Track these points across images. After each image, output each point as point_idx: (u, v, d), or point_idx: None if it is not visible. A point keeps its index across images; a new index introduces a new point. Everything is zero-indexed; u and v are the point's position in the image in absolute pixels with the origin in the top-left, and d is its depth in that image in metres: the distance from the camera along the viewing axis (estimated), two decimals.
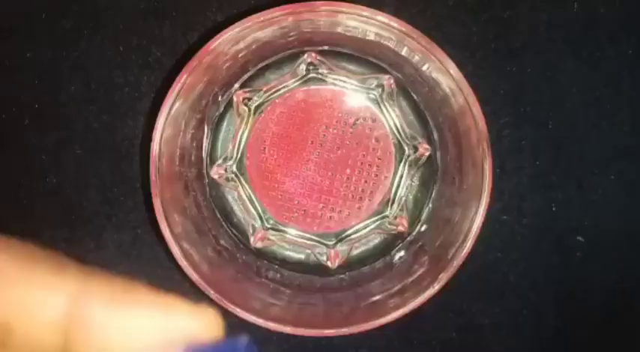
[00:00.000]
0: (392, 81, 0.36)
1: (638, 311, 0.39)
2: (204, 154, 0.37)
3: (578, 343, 0.39)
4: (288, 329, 0.32)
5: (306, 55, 0.36)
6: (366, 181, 0.37)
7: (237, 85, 0.37)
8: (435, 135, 0.37)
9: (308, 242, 0.37)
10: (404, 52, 0.33)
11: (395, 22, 0.32)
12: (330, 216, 0.37)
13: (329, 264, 0.37)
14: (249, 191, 0.37)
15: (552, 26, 0.39)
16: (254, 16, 0.32)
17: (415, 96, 0.37)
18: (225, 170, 0.37)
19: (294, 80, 0.37)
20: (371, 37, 0.34)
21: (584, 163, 0.39)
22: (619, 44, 0.39)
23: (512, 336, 0.39)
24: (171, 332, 0.17)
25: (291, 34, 0.34)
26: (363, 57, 0.36)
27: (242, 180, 0.37)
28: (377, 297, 0.35)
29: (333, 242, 0.37)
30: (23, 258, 0.17)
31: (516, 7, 0.39)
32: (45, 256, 0.17)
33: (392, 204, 0.37)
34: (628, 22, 0.39)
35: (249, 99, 0.37)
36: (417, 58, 0.33)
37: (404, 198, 0.37)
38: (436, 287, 0.33)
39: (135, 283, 0.18)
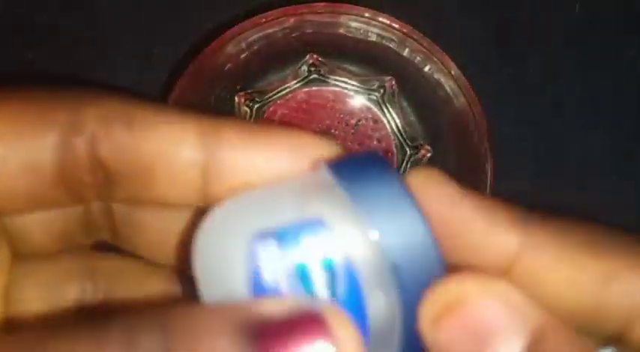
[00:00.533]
0: (393, 82, 0.36)
1: None
2: None
3: None
4: None
5: (307, 56, 0.36)
6: None
7: (238, 86, 0.37)
8: (437, 137, 0.37)
9: None
10: (405, 53, 0.33)
11: (396, 24, 0.32)
12: None
13: None
14: None
15: (554, 27, 0.39)
16: (256, 17, 0.32)
17: (417, 98, 0.37)
18: None
19: (295, 81, 0.37)
20: (372, 38, 0.34)
21: (585, 164, 0.39)
22: (621, 45, 0.39)
23: None
24: (299, 161, 0.18)
25: (293, 35, 0.34)
26: (365, 58, 0.37)
27: None
28: None
29: None
30: (162, 110, 0.18)
31: (518, 8, 0.39)
32: (178, 110, 0.19)
33: None
34: (629, 23, 0.39)
35: (251, 100, 0.37)
36: (418, 59, 0.33)
37: None
38: None
39: (263, 126, 0.19)
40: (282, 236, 0.17)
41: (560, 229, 0.18)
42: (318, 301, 0.16)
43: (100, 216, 0.20)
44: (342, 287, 0.17)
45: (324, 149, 0.18)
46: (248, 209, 0.18)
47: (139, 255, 0.21)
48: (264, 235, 0.17)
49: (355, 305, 0.17)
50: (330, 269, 0.17)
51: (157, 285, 0.21)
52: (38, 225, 0.20)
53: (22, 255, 0.20)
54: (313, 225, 0.17)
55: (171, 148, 0.18)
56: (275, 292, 0.16)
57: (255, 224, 0.17)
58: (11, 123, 0.18)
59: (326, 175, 0.17)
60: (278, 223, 0.17)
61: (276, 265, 0.17)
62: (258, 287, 0.17)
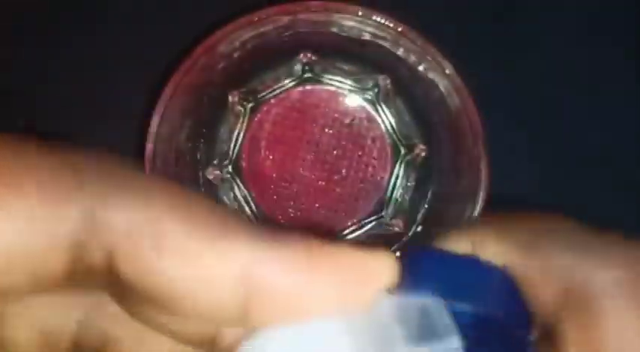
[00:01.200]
0: (388, 81, 0.36)
1: None
2: (199, 155, 0.37)
3: None
4: None
5: (301, 55, 0.36)
6: (361, 182, 0.37)
7: (232, 86, 0.36)
8: (431, 136, 0.37)
9: None
10: (400, 52, 0.33)
11: (390, 22, 0.32)
12: (326, 217, 0.37)
13: None
14: (245, 191, 0.37)
15: (550, 26, 0.39)
16: (249, 16, 0.32)
17: (411, 97, 0.37)
18: (221, 171, 0.37)
19: (289, 80, 0.37)
20: (366, 37, 0.34)
21: (582, 163, 0.39)
22: (618, 44, 0.39)
23: None
24: (354, 288, 0.15)
25: (287, 33, 0.34)
26: (359, 57, 0.36)
27: (237, 180, 0.37)
28: None
29: None
30: (196, 224, 0.15)
31: (514, 7, 0.39)
32: (214, 221, 0.15)
33: (388, 205, 0.37)
34: (628, 21, 0.39)
35: (245, 99, 0.37)
36: (412, 58, 0.33)
37: (400, 199, 0.37)
38: None
39: (311, 245, 0.16)
40: None
41: None
42: None
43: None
44: None
45: (379, 271, 0.15)
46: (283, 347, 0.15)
47: None
48: None
49: None
50: None
51: None
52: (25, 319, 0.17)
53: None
54: None
55: (206, 286, 0.15)
56: None
57: None
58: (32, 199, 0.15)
59: (388, 317, 0.15)
60: None
61: None
62: None
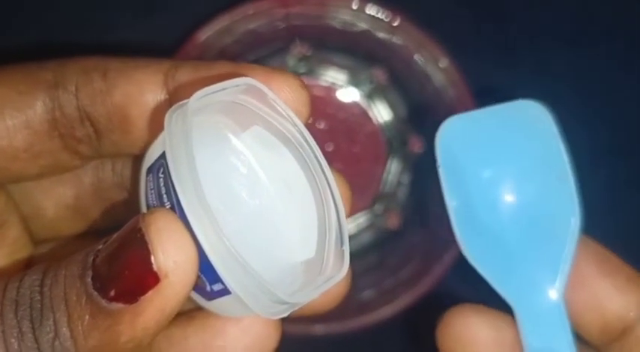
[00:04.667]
0: (383, 75, 0.36)
1: None
2: None
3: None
4: None
5: (296, 49, 0.36)
6: (356, 177, 0.37)
7: None
8: (427, 130, 0.36)
9: None
10: (395, 45, 0.33)
11: (386, 15, 0.31)
12: None
13: None
14: None
15: (546, 22, 0.39)
16: (243, 8, 0.32)
17: (406, 91, 0.36)
18: None
19: None
20: (361, 29, 0.33)
21: (576, 160, 0.39)
22: (613, 41, 0.39)
23: None
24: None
25: (281, 26, 0.34)
26: (354, 50, 0.36)
27: None
28: (368, 294, 0.34)
29: None
30: (130, 59, 0.20)
31: (510, 2, 0.39)
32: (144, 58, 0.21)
33: (382, 200, 0.37)
34: (622, 19, 0.39)
35: None
36: (407, 51, 0.33)
37: (394, 195, 0.37)
38: (428, 284, 0.32)
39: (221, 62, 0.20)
40: None
41: None
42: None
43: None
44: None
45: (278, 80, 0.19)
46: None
47: None
48: None
49: None
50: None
51: None
52: (50, 199, 0.22)
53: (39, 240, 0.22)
54: None
55: (139, 90, 0.20)
56: None
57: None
58: (1, 86, 0.20)
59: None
60: None
61: None
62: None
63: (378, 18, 0.31)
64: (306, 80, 0.36)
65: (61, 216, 0.22)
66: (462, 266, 0.33)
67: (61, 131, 0.20)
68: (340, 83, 0.36)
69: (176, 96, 0.20)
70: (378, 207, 0.37)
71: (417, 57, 0.32)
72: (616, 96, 0.39)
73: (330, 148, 0.36)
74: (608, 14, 0.39)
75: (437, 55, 0.31)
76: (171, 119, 0.17)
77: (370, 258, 0.37)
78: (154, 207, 0.18)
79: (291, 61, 0.36)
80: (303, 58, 0.36)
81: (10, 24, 0.39)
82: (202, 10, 0.37)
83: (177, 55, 0.32)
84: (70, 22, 0.39)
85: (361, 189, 0.37)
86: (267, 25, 0.33)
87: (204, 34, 0.32)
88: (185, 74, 0.20)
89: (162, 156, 0.17)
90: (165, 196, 0.17)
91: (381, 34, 0.33)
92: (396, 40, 0.32)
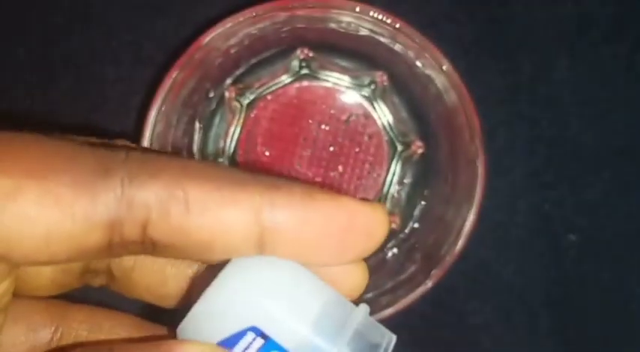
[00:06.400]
0: (385, 78, 0.36)
1: (632, 310, 0.39)
2: (195, 150, 0.37)
3: (571, 342, 0.39)
4: None
5: (298, 51, 0.36)
6: (358, 178, 0.37)
7: (229, 81, 0.36)
8: (428, 133, 0.37)
9: None
10: (397, 48, 0.33)
11: (388, 19, 0.32)
12: None
13: None
14: None
15: (547, 25, 0.39)
16: (246, 11, 0.32)
17: (408, 94, 0.37)
18: None
19: (286, 76, 0.37)
20: (364, 33, 0.33)
21: (578, 162, 0.39)
22: (613, 43, 0.39)
23: (505, 335, 0.39)
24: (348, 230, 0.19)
25: (284, 29, 0.34)
26: (356, 53, 0.36)
27: None
28: (368, 295, 0.34)
29: None
30: (212, 178, 0.18)
31: (511, 5, 0.39)
32: (226, 174, 0.19)
33: (384, 202, 0.37)
34: (622, 21, 0.39)
35: (241, 95, 0.36)
36: (410, 54, 0.33)
37: (396, 196, 0.37)
38: (428, 285, 0.33)
39: (313, 189, 0.19)
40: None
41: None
42: None
43: (100, 263, 0.21)
44: None
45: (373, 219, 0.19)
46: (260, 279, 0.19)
47: (134, 296, 0.22)
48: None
49: None
50: None
51: (122, 333, 0.22)
52: (47, 272, 0.20)
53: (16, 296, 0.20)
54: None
55: (228, 229, 0.18)
56: None
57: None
58: (62, 184, 0.17)
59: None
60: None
61: None
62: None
63: (380, 22, 0.32)
64: (309, 82, 0.37)
65: (44, 286, 0.21)
66: (464, 268, 0.33)
67: (112, 252, 0.18)
68: (343, 85, 0.37)
69: (270, 233, 0.18)
70: None
71: (419, 60, 0.33)
72: (618, 99, 0.39)
73: (332, 150, 0.36)
74: (609, 16, 0.39)
75: (438, 58, 0.32)
76: None
77: (370, 258, 0.37)
78: None
79: (294, 63, 0.36)
80: (305, 61, 0.36)
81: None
82: (206, 14, 0.37)
83: (181, 57, 0.33)
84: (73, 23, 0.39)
85: (364, 190, 0.37)
86: (271, 28, 0.33)
87: (208, 36, 0.32)
88: (282, 211, 0.18)
89: None
90: None
91: (384, 38, 0.33)
92: (398, 43, 0.33)
